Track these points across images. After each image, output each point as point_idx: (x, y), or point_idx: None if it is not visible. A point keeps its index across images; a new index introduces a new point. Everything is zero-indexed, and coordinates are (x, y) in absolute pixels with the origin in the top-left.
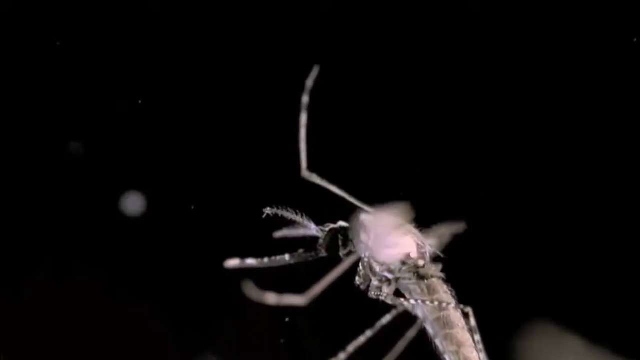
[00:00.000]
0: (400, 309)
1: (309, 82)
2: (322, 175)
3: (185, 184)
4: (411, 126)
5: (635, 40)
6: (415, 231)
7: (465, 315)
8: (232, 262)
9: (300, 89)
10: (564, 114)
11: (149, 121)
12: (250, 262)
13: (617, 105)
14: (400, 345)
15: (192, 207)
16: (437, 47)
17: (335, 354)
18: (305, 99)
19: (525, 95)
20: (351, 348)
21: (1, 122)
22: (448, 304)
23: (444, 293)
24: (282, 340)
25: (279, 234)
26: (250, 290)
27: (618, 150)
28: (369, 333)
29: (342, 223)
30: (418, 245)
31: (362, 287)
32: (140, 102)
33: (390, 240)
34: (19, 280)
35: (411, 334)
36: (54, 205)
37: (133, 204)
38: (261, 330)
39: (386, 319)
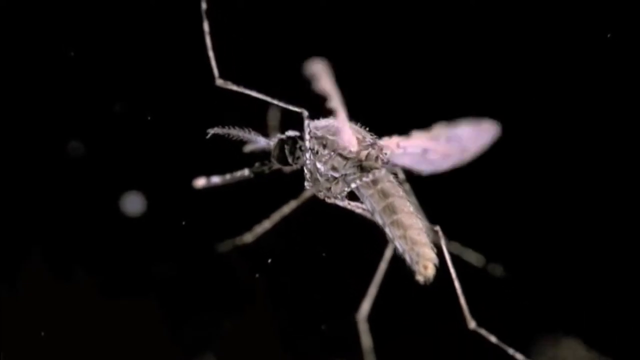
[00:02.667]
0: (344, 202)
1: None
2: (236, 81)
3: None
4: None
5: (609, 36)
6: (354, 125)
7: (395, 175)
8: (200, 182)
9: None
10: (542, 104)
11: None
12: (215, 179)
13: (592, 95)
14: (382, 267)
15: (183, 223)
16: None
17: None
18: (203, 5)
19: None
20: (276, 216)
21: (1, 123)
22: (381, 174)
23: (388, 182)
24: (256, 275)
25: (247, 148)
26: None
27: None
28: (293, 204)
29: (289, 132)
30: (358, 138)
31: (313, 191)
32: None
33: (332, 129)
34: (19, 280)
35: (389, 253)
36: (54, 205)
37: (133, 204)
38: (260, 330)
39: (308, 192)
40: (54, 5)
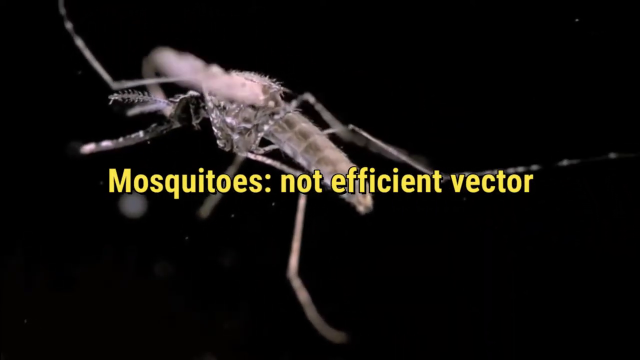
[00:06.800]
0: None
1: (62, 10)
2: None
3: None
4: None
5: (577, 20)
6: (257, 75)
7: (308, 102)
8: (88, 147)
9: None
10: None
11: None
12: (106, 144)
13: (560, 76)
14: (300, 217)
15: (186, 238)
16: None
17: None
18: (68, 25)
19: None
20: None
21: (1, 123)
22: (288, 111)
23: (304, 123)
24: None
25: (132, 111)
26: None
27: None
28: (231, 169)
29: (192, 92)
30: (264, 87)
31: (226, 148)
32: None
33: (233, 82)
34: (19, 280)
35: (302, 202)
36: (54, 205)
37: (133, 204)
38: (260, 329)
39: (240, 155)
40: (54, 6)
